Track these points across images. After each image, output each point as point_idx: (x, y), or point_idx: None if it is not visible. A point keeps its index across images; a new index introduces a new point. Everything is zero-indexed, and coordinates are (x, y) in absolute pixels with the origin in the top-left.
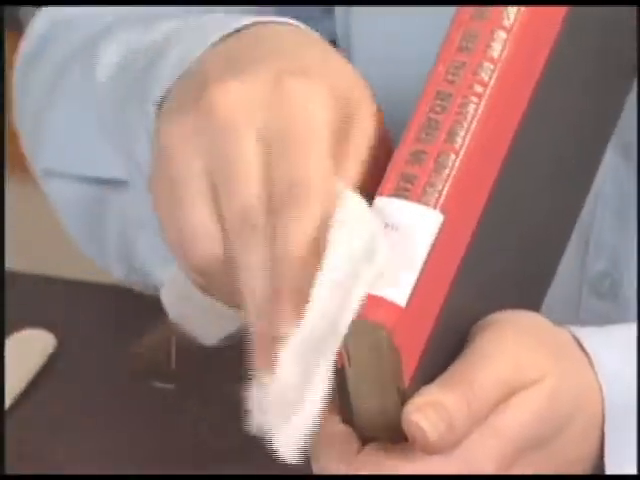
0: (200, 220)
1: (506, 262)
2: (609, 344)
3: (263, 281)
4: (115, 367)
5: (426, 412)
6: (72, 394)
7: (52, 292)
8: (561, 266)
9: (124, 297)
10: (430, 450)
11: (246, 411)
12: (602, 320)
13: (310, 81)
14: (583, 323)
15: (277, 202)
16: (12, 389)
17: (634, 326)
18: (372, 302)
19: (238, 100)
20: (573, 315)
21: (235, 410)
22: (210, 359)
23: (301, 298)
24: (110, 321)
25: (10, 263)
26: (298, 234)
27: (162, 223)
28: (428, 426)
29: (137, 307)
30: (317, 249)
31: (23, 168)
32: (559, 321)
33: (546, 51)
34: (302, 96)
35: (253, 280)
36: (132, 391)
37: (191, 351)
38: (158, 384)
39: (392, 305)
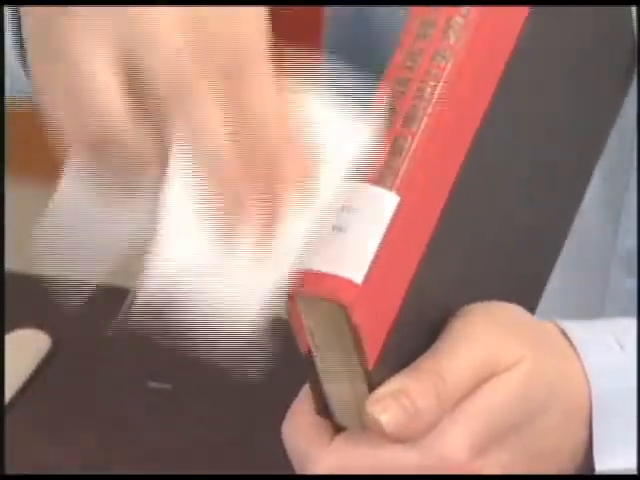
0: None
1: (487, 254)
2: (595, 335)
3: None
4: (112, 367)
5: (386, 403)
6: (70, 394)
7: (48, 292)
8: (593, 242)
9: (121, 297)
10: (392, 441)
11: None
12: (631, 299)
13: None
14: (611, 301)
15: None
16: (7, 389)
17: (624, 320)
18: (328, 281)
19: None
20: (601, 293)
21: (232, 409)
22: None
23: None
24: (107, 321)
25: (10, 263)
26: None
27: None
28: (385, 418)
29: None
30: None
31: (23, 168)
32: (587, 297)
33: (511, 41)
34: None
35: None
36: (129, 392)
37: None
38: (154, 384)
39: (349, 283)
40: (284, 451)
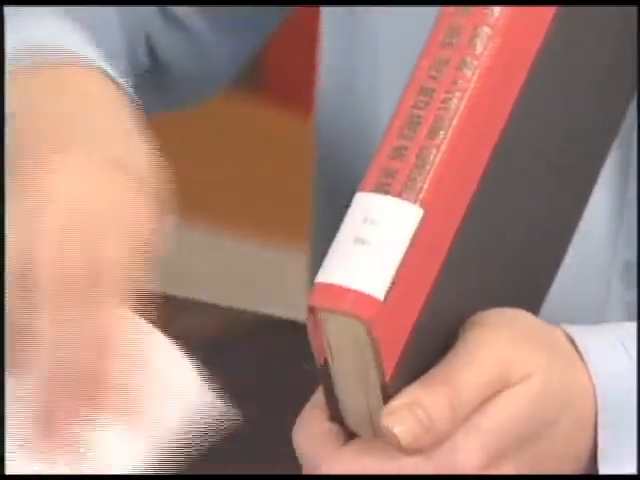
0: None
1: (496, 263)
2: (602, 341)
3: None
4: None
5: (401, 415)
6: None
7: None
8: (593, 254)
9: None
10: (406, 452)
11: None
12: (630, 309)
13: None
14: (611, 312)
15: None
16: None
17: (627, 324)
18: (350, 296)
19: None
20: (602, 303)
21: (233, 409)
22: (206, 358)
23: None
24: None
25: None
26: None
27: None
28: (400, 430)
29: (133, 307)
30: None
31: None
32: (588, 309)
33: (534, 49)
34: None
35: None
36: None
37: (187, 350)
38: None
39: (370, 299)
40: (284, 451)
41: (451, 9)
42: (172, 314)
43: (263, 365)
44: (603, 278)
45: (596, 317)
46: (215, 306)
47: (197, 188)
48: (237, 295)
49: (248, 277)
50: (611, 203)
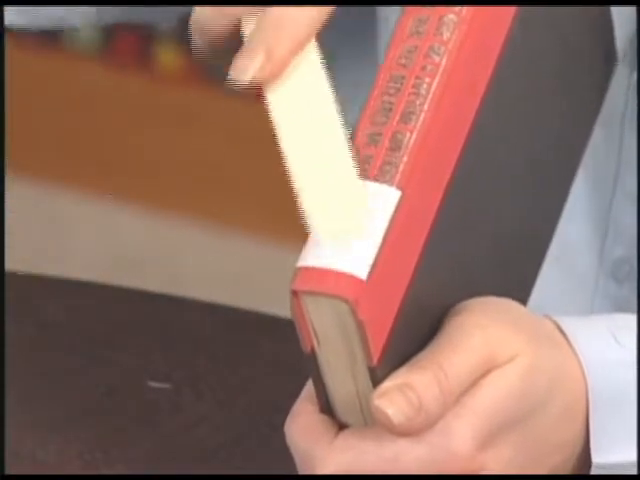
0: None
1: (482, 250)
2: (591, 330)
3: None
4: (111, 367)
5: (392, 396)
6: (69, 394)
7: (48, 292)
8: (580, 251)
9: (120, 297)
10: (399, 433)
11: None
12: (618, 305)
13: None
14: (598, 308)
15: None
16: None
17: (616, 316)
18: (332, 277)
19: None
20: (589, 300)
21: (233, 409)
22: (206, 357)
23: None
24: (106, 320)
25: (10, 263)
26: None
27: None
28: (392, 410)
29: (133, 307)
30: None
31: (23, 168)
32: (574, 305)
33: (502, 34)
34: None
35: None
36: (128, 391)
37: (187, 350)
38: (154, 384)
39: (352, 278)
40: (284, 451)
41: (415, 7)
42: (171, 314)
43: (263, 365)
44: (590, 275)
45: (583, 314)
46: (215, 306)
47: (197, 187)
48: (237, 295)
49: (248, 277)
50: (596, 200)
